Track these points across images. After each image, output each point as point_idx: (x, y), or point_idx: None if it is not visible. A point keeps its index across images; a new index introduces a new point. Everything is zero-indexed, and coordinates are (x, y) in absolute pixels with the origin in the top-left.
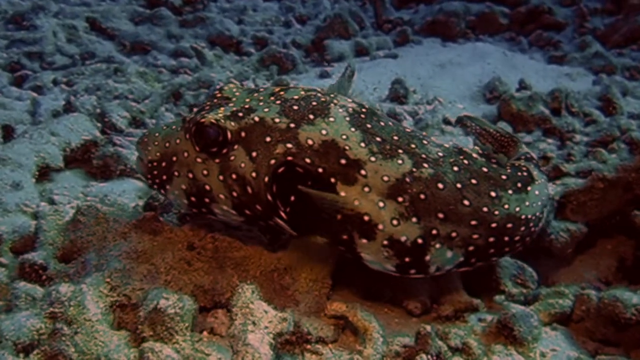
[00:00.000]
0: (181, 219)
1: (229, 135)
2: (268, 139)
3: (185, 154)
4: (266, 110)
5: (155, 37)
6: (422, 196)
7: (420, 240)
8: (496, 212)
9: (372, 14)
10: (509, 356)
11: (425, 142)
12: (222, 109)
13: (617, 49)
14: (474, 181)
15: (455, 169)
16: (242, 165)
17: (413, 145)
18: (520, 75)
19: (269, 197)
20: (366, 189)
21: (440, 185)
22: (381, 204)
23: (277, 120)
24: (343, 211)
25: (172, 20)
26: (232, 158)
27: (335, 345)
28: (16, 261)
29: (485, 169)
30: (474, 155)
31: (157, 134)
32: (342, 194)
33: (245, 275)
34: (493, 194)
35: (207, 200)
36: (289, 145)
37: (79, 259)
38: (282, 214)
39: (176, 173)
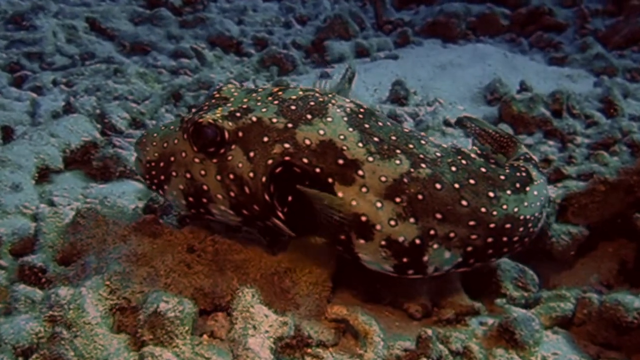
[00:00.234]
0: (181, 221)
1: (227, 135)
2: (265, 139)
3: (183, 154)
4: (264, 110)
5: (155, 37)
6: (420, 196)
7: (418, 241)
8: (494, 213)
9: (373, 14)
10: None
11: (423, 142)
12: (219, 109)
13: (618, 51)
14: (472, 181)
15: (454, 169)
16: (240, 165)
17: (411, 146)
18: (520, 76)
19: (267, 197)
20: (364, 190)
21: (438, 186)
22: (379, 205)
23: (274, 120)
24: (340, 212)
25: (172, 20)
26: (230, 158)
27: (335, 349)
28: (15, 263)
29: (483, 169)
30: (472, 155)
31: (155, 135)
32: (340, 194)
33: (246, 278)
34: (491, 194)
35: (204, 200)
36: (287, 145)
37: (78, 261)
38: (280, 214)
39: (174, 173)
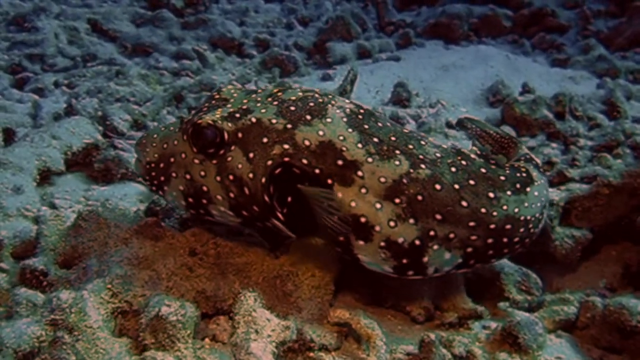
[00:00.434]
0: (183, 224)
1: (226, 136)
2: (265, 139)
3: (183, 155)
4: (263, 111)
5: (156, 39)
6: (420, 197)
7: (417, 242)
8: (494, 213)
9: (375, 15)
10: None
11: (423, 142)
12: (219, 110)
13: (620, 52)
14: (472, 182)
15: (453, 169)
16: (239, 166)
17: (411, 146)
18: (523, 78)
19: (266, 198)
20: (363, 190)
21: (438, 186)
22: (378, 206)
23: (274, 121)
24: (340, 213)
25: (173, 22)
26: (229, 159)
27: (338, 353)
28: (17, 266)
29: (483, 170)
30: (472, 156)
31: (155, 136)
32: (339, 195)
33: (248, 281)
34: (491, 195)
35: (204, 201)
36: (286, 146)
37: (80, 264)
38: (279, 215)
39: (174, 174)
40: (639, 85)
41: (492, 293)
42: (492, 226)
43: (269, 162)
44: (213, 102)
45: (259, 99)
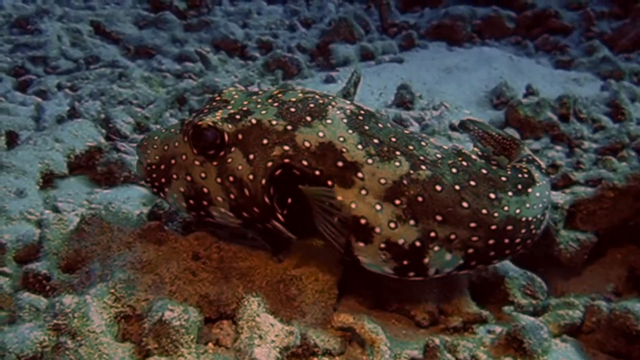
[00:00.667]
0: (186, 228)
1: (226, 137)
2: (265, 141)
3: (184, 157)
4: (263, 112)
5: (159, 41)
6: (420, 198)
7: (418, 243)
8: (496, 214)
9: (378, 17)
10: None
11: (423, 143)
12: (219, 111)
13: (624, 54)
14: (472, 183)
15: (454, 170)
16: (240, 167)
17: (411, 147)
18: (527, 80)
19: (266, 200)
20: (363, 192)
21: (438, 187)
22: (378, 207)
23: (274, 122)
24: (340, 214)
25: (176, 24)
26: (230, 160)
27: (342, 358)
28: (20, 270)
29: (484, 171)
30: (473, 157)
31: (156, 138)
32: (339, 197)
33: (251, 285)
34: (492, 195)
35: (205, 203)
36: (286, 148)
37: (83, 268)
38: (280, 217)
39: (175, 176)
40: None
41: (497, 297)
42: (493, 227)
43: (269, 164)
44: (214, 103)
45: (259, 100)
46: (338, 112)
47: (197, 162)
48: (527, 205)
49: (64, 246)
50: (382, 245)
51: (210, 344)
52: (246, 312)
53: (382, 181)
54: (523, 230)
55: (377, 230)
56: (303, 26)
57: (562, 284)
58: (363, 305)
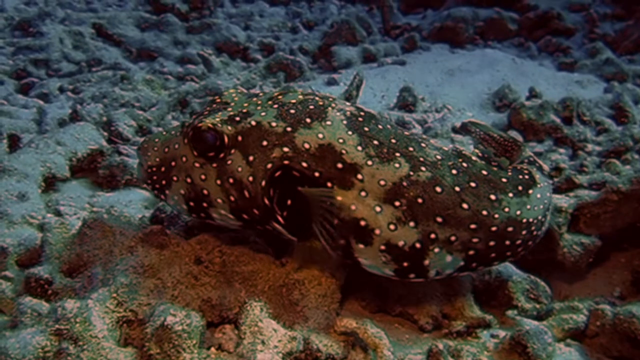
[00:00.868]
0: (188, 232)
1: (226, 139)
2: (265, 143)
3: (184, 159)
4: (263, 114)
5: (161, 43)
6: (420, 200)
7: (418, 245)
8: (496, 216)
9: (380, 19)
10: None
11: (423, 145)
12: (219, 113)
13: (628, 56)
14: (473, 184)
15: (454, 172)
16: (239, 169)
17: (411, 149)
18: (529, 82)
19: (266, 201)
20: (363, 194)
21: (438, 189)
22: (378, 209)
23: (273, 124)
24: (339, 216)
25: (178, 26)
26: (230, 162)
27: None
28: (22, 275)
29: (484, 172)
30: (474, 158)
31: (156, 140)
32: (339, 198)
33: (254, 290)
34: (493, 197)
35: (205, 204)
36: (286, 149)
37: (85, 273)
38: (279, 218)
39: (175, 178)
40: None
41: (500, 301)
42: (494, 228)
43: (269, 165)
44: (214, 105)
45: (259, 102)
46: (338, 113)
47: (197, 164)
48: (528, 206)
49: (66, 250)
50: (382, 247)
51: (212, 349)
52: (249, 317)
53: (382, 183)
54: (524, 232)
55: (377, 232)
56: (305, 28)
57: (566, 288)
58: (366, 310)
